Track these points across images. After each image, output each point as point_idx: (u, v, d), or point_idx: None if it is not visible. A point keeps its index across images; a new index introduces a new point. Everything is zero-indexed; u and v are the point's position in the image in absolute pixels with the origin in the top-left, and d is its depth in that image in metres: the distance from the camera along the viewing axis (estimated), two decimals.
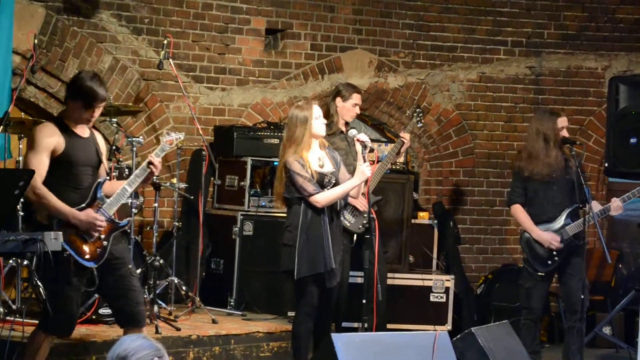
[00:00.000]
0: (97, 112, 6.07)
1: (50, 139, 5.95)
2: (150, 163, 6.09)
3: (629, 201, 7.83)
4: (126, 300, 6.12)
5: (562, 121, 7.78)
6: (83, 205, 5.97)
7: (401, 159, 9.14)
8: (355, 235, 7.80)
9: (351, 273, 7.82)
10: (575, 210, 7.78)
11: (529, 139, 7.90)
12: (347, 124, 8.00)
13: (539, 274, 7.77)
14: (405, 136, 8.11)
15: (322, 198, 6.71)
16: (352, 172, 6.92)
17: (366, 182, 6.91)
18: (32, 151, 5.97)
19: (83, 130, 6.11)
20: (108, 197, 6.07)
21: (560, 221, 7.75)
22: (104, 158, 6.24)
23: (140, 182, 6.15)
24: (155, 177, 6.42)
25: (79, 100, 6.01)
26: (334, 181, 6.82)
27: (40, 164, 5.92)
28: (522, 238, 7.88)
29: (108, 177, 6.20)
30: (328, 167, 6.85)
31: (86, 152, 6.06)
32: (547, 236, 7.72)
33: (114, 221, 6.08)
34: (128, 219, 6.72)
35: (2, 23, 7.92)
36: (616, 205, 7.74)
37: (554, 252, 7.72)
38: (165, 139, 6.31)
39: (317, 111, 6.82)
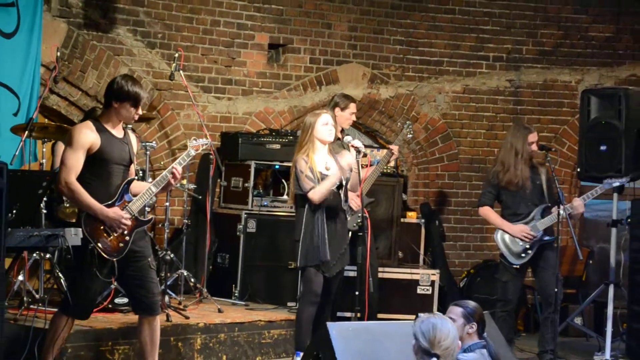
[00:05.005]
0: (141, 109, 6.08)
1: (87, 137, 5.91)
2: (171, 172, 6.08)
3: (590, 199, 7.89)
4: (143, 290, 6.12)
5: (533, 137, 7.86)
6: (109, 202, 5.96)
7: (392, 164, 9.16)
8: (349, 233, 7.82)
9: (346, 267, 7.83)
10: (545, 209, 7.82)
11: (503, 150, 7.97)
12: (342, 130, 8.03)
13: (514, 266, 7.81)
14: (394, 148, 8.18)
15: (313, 194, 6.81)
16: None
17: (360, 183, 6.95)
18: (69, 148, 5.92)
19: (118, 131, 6.09)
20: (134, 195, 6.08)
21: (533, 218, 7.81)
22: (134, 158, 6.22)
23: (162, 187, 6.14)
24: (179, 184, 6.37)
25: (127, 102, 5.98)
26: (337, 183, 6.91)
27: (77, 161, 5.88)
28: (497, 235, 7.92)
29: (136, 177, 6.18)
30: (333, 171, 6.91)
31: (120, 151, 6.03)
32: (518, 228, 7.77)
33: (138, 218, 6.07)
34: (151, 216, 6.72)
35: (32, 40, 8.00)
36: (577, 204, 7.80)
37: (527, 246, 7.77)
38: (192, 144, 6.26)
39: (325, 119, 6.95)
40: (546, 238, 7.78)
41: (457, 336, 4.40)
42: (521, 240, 7.76)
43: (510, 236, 7.81)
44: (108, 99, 6.07)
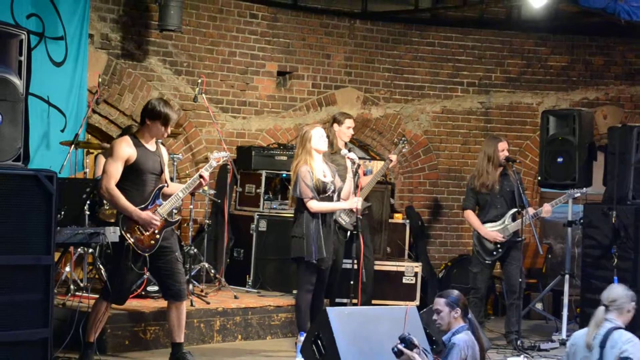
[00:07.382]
0: (170, 128, 6.11)
1: (126, 150, 5.96)
2: (200, 176, 6.12)
3: (557, 206, 7.91)
4: (172, 280, 6.14)
5: (502, 145, 7.83)
6: (143, 206, 5.99)
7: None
8: (348, 232, 7.79)
9: (343, 260, 7.83)
10: (514, 214, 7.82)
11: (479, 158, 7.98)
12: (346, 144, 7.99)
13: (487, 262, 7.81)
14: (393, 157, 8.15)
15: (315, 206, 6.72)
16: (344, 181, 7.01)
17: (357, 187, 6.94)
18: (110, 159, 5.96)
19: (152, 145, 6.12)
20: (169, 196, 6.09)
21: (504, 222, 7.79)
22: (165, 168, 6.24)
23: (192, 189, 6.18)
24: (201, 190, 6.36)
25: (158, 121, 6.01)
26: (333, 187, 6.87)
27: (116, 170, 5.92)
28: (474, 235, 7.91)
29: (167, 185, 6.20)
30: (329, 177, 6.91)
31: (153, 162, 6.07)
32: (492, 233, 7.77)
33: (167, 219, 6.10)
34: (178, 217, 6.72)
35: (77, 68, 8.01)
36: (547, 209, 7.81)
37: (499, 245, 7.77)
38: (213, 156, 6.27)
39: (319, 131, 6.88)
40: (517, 239, 7.76)
41: (629, 297, 5.13)
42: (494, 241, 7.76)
43: (485, 237, 7.80)
44: (143, 117, 6.10)
